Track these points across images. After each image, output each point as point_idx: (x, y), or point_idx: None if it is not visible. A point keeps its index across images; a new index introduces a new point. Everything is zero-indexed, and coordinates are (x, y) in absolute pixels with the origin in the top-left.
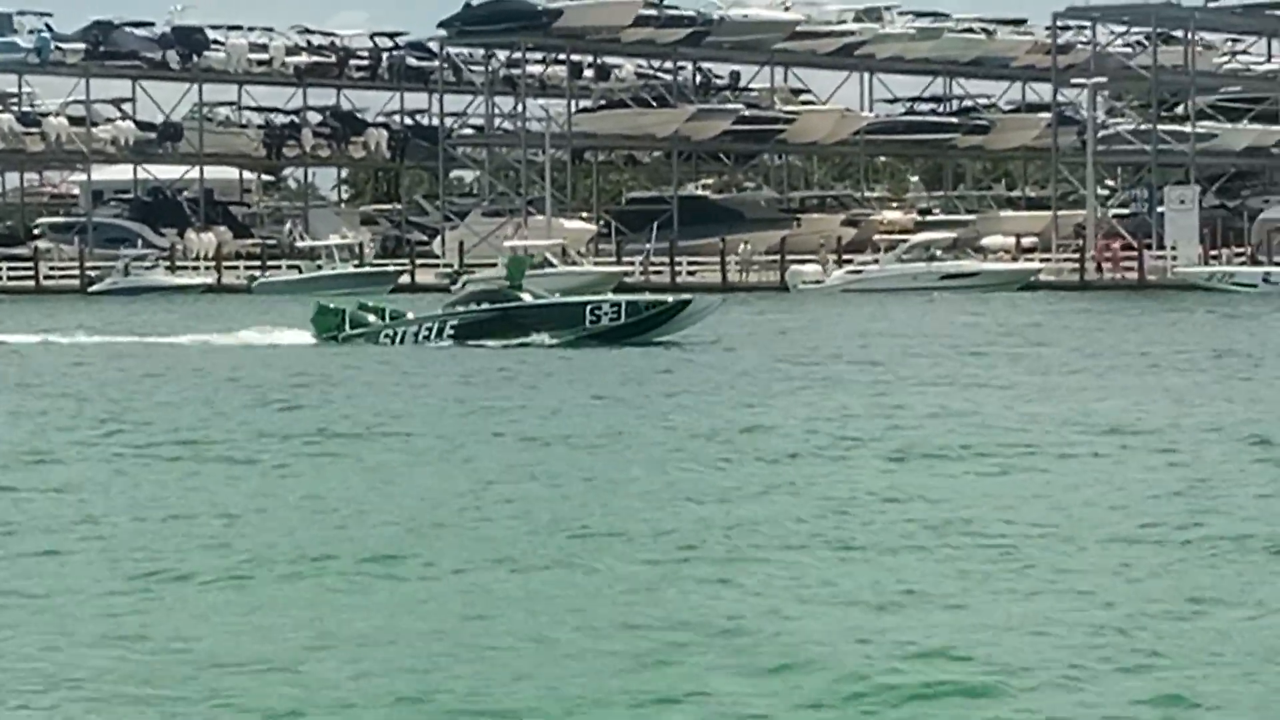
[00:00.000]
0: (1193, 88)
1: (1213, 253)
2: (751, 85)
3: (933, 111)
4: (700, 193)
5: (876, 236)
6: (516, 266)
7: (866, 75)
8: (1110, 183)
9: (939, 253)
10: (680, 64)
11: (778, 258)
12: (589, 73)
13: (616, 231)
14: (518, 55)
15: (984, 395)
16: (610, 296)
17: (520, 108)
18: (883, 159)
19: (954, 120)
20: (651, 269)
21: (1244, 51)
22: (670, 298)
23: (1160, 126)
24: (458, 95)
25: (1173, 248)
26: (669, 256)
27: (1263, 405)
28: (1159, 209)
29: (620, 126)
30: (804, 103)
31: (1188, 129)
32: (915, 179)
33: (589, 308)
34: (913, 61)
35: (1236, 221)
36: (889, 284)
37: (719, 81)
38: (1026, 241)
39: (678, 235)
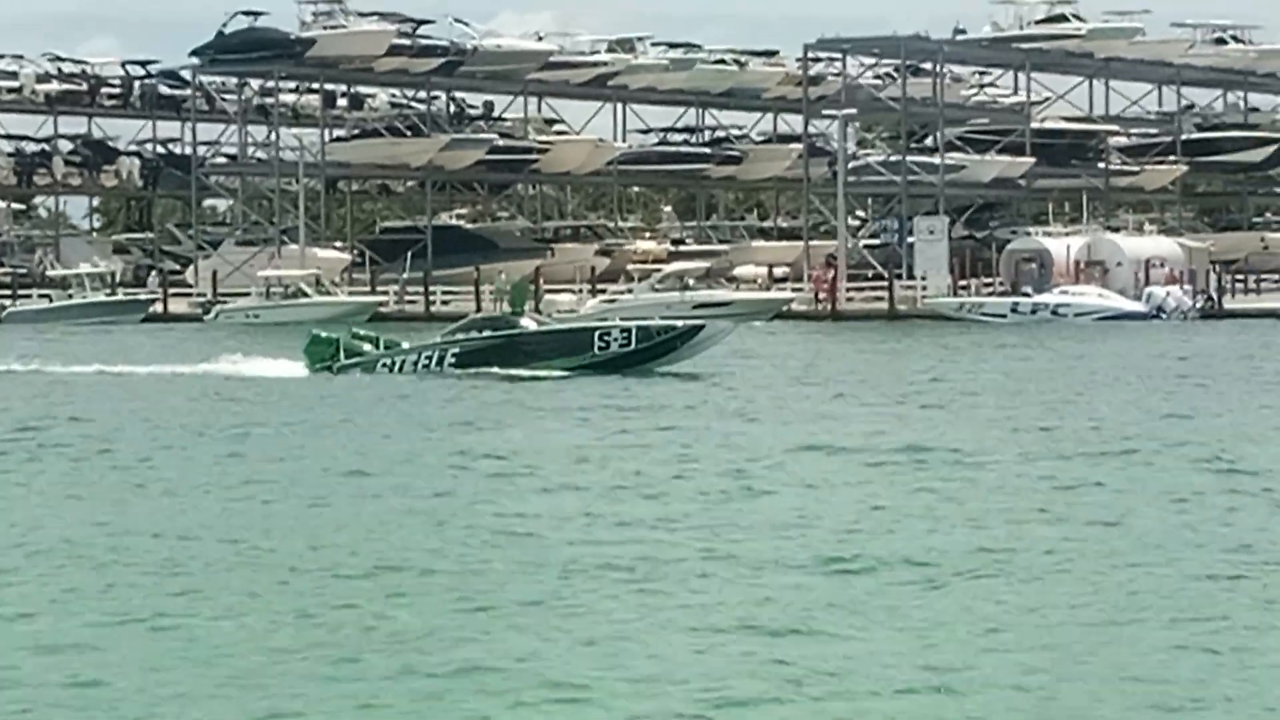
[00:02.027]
0: (941, 119)
1: (961, 283)
2: (505, 115)
3: (685, 142)
4: (454, 222)
5: (630, 266)
6: (519, 293)
7: (620, 105)
8: (861, 213)
9: (692, 282)
10: (434, 94)
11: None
12: (343, 102)
13: (371, 261)
14: (271, 84)
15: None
16: (620, 323)
17: (274, 136)
18: (636, 189)
19: (707, 151)
20: (406, 298)
21: (992, 84)
22: (681, 323)
23: (910, 158)
24: (211, 124)
25: (923, 278)
26: (424, 286)
27: (929, 429)
28: (909, 239)
29: (374, 156)
30: (558, 133)
31: (937, 160)
32: (668, 209)
33: (597, 334)
34: (666, 92)
35: (985, 252)
36: (643, 313)
37: (473, 111)
38: (779, 271)
39: (432, 265)
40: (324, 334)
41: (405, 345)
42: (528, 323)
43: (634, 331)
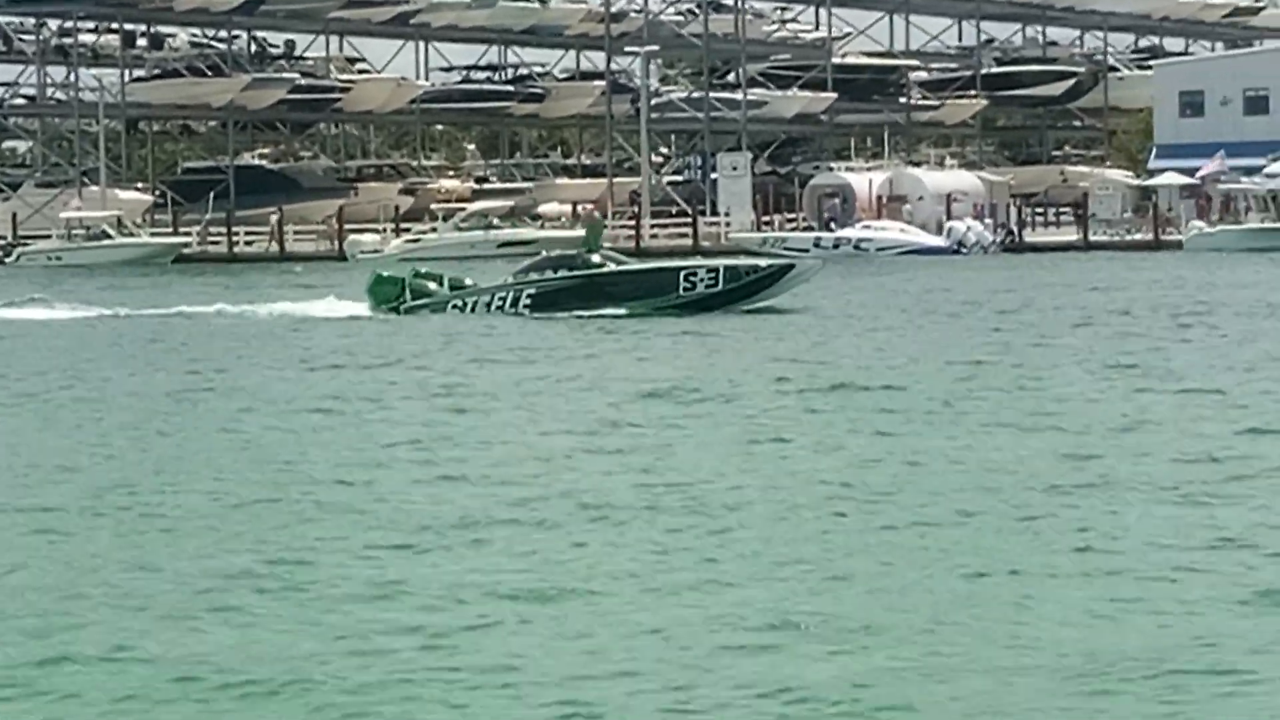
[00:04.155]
0: (743, 55)
1: (765, 218)
2: (307, 54)
3: (488, 80)
4: (257, 162)
5: (434, 205)
6: (594, 231)
7: (422, 44)
8: (664, 150)
9: (496, 220)
10: (235, 33)
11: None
12: (142, 41)
13: (173, 202)
14: (70, 24)
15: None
16: (708, 261)
17: (73, 77)
18: (439, 127)
19: (510, 89)
20: (209, 239)
21: (793, 19)
22: (768, 262)
23: (712, 94)
24: (9, 65)
25: (726, 214)
26: (226, 226)
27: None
28: (712, 176)
29: (175, 96)
30: (360, 72)
31: (739, 96)
32: (472, 147)
33: (683, 274)
34: (468, 30)
35: (788, 187)
36: (447, 252)
37: (274, 50)
38: (583, 208)
39: (235, 205)
40: (388, 273)
41: (470, 284)
42: (600, 261)
43: (722, 271)
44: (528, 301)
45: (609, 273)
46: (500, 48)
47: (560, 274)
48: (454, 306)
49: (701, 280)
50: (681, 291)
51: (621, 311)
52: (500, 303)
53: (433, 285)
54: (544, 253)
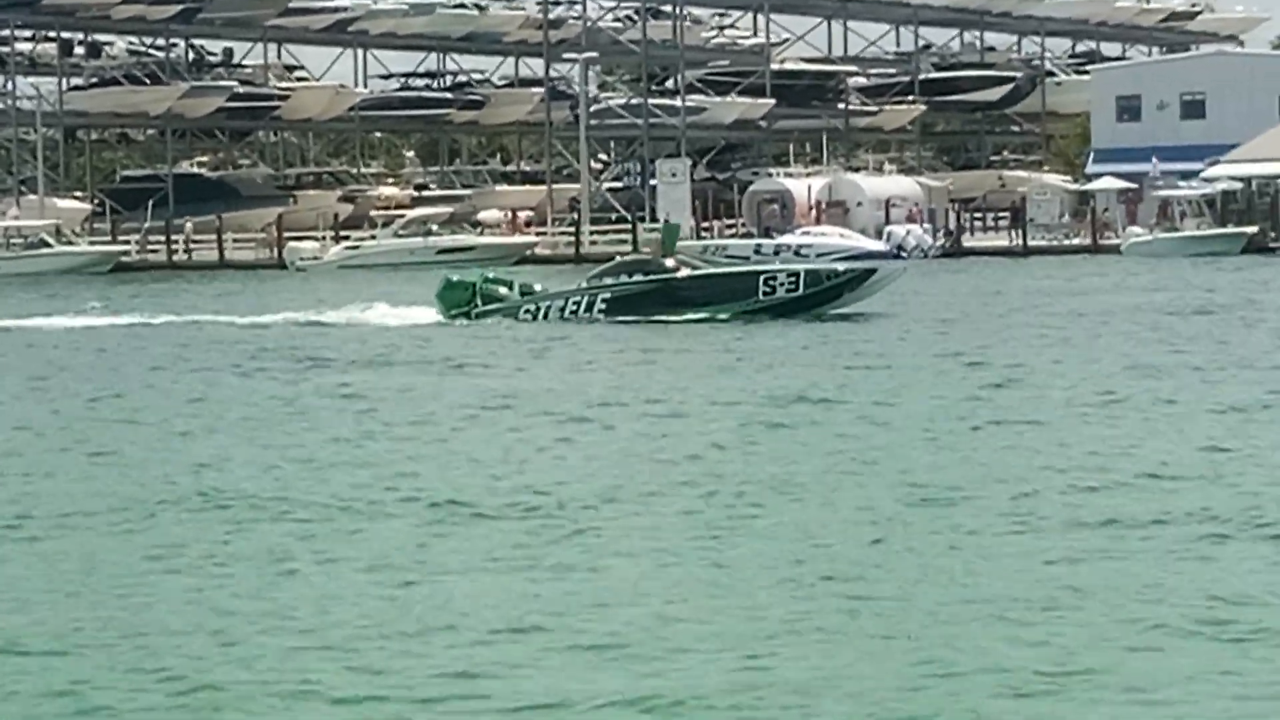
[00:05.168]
0: (681, 62)
1: (704, 224)
2: (245, 62)
3: (427, 87)
4: (195, 170)
5: (373, 212)
6: (670, 234)
7: (360, 51)
8: (603, 156)
9: (435, 228)
10: (172, 41)
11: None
12: (80, 50)
13: (112, 210)
14: (6, 33)
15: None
16: (788, 266)
17: (10, 86)
18: (378, 135)
19: (448, 95)
20: (148, 247)
21: (731, 26)
22: (846, 266)
23: (651, 100)
24: None
25: (665, 220)
26: (165, 234)
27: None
28: (651, 182)
29: (113, 104)
30: (298, 79)
31: (678, 103)
32: (411, 154)
33: (763, 278)
34: (406, 37)
35: (727, 194)
36: (386, 259)
37: (212, 58)
38: (522, 215)
39: (173, 213)
40: (458, 278)
41: (539, 289)
42: (674, 265)
43: (803, 275)
44: (603, 306)
45: (686, 277)
46: (439, 55)
47: (636, 279)
48: (526, 312)
49: (782, 285)
50: (761, 296)
51: (700, 316)
52: (575, 308)
53: (503, 289)
54: (618, 257)
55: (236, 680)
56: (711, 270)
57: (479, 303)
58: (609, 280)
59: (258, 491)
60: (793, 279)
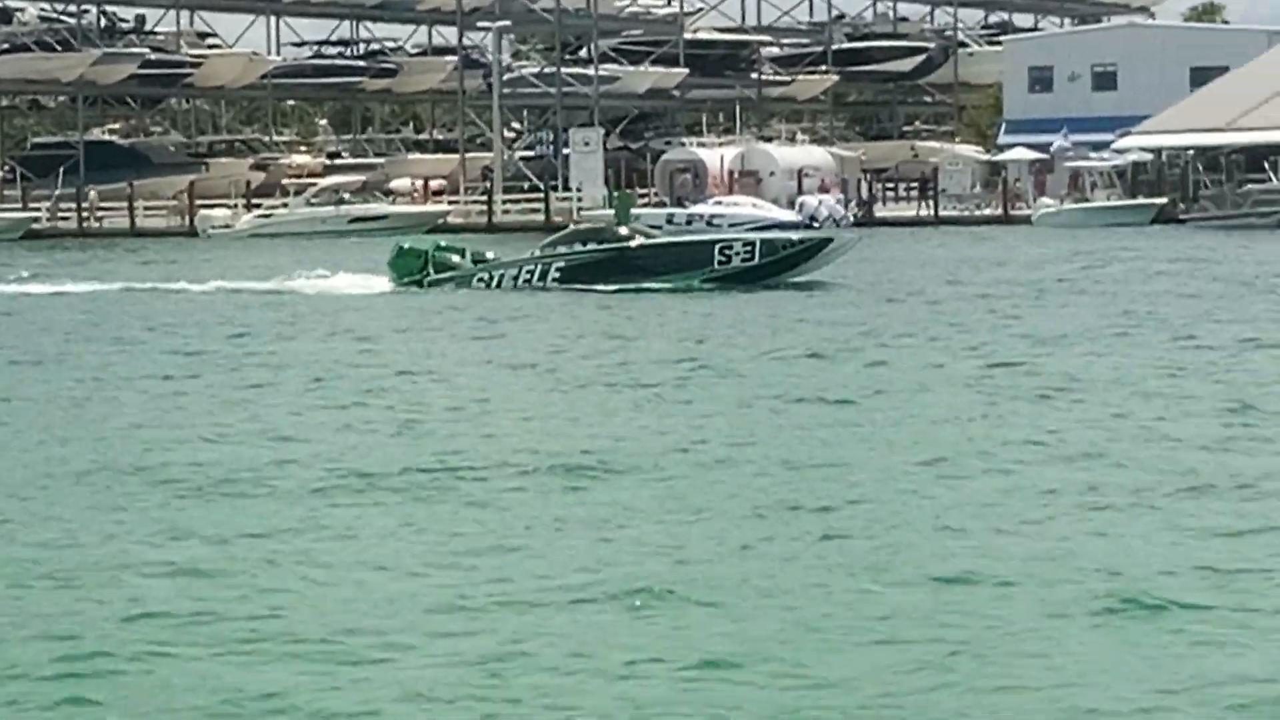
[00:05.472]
0: (595, 31)
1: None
2: (157, 29)
3: (340, 55)
4: (107, 138)
5: (285, 180)
6: (624, 203)
7: (273, 18)
8: (517, 125)
9: (347, 196)
10: (84, 7)
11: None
12: None
13: (22, 178)
14: None
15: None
16: (743, 235)
17: None
18: (291, 103)
19: (361, 64)
20: (60, 215)
21: None
22: (801, 235)
23: (564, 69)
24: None
25: (578, 189)
26: (76, 202)
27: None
28: (564, 151)
29: (23, 71)
30: (210, 46)
31: (591, 72)
32: (324, 123)
33: (718, 247)
34: (319, 4)
35: (640, 163)
36: (298, 228)
37: (124, 25)
38: (435, 184)
39: (85, 180)
40: (410, 245)
41: (492, 256)
42: (628, 234)
43: (759, 245)
44: (556, 275)
45: (641, 246)
46: (352, 22)
47: (590, 247)
48: (479, 280)
49: (737, 254)
50: (717, 265)
51: (654, 286)
52: (528, 276)
53: (455, 258)
54: (572, 225)
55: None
56: (667, 239)
57: (431, 271)
58: (563, 249)
59: None
60: (749, 248)
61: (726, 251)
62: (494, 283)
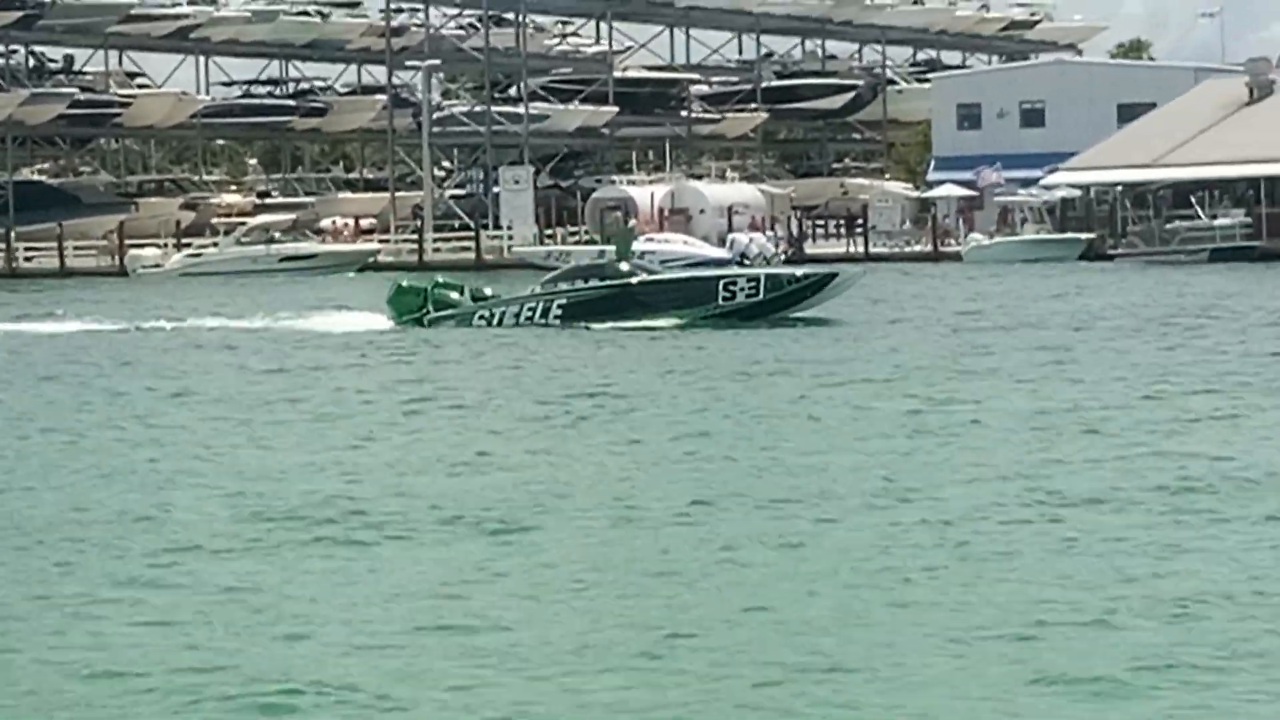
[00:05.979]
0: (524, 69)
1: (547, 232)
2: (86, 69)
3: (270, 94)
4: (36, 177)
5: (215, 220)
6: (624, 239)
7: (202, 58)
8: (447, 164)
9: (278, 235)
10: (12, 47)
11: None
12: None
13: None
14: None
15: None
16: (748, 270)
17: None
18: (220, 142)
19: (291, 103)
20: None
21: (574, 33)
22: (805, 271)
23: (494, 108)
24: None
25: (509, 227)
26: (5, 242)
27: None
28: (495, 189)
29: None
30: (140, 86)
31: (520, 110)
32: (254, 162)
33: (723, 283)
34: (249, 44)
35: (570, 201)
36: (229, 267)
37: (53, 65)
38: (365, 223)
39: (14, 221)
40: (409, 283)
41: (491, 293)
42: (629, 270)
43: (763, 280)
44: (558, 312)
45: (643, 282)
46: (281, 62)
47: (592, 284)
48: (480, 318)
49: (742, 290)
50: (721, 301)
51: (660, 322)
52: (530, 314)
53: (455, 295)
54: (573, 262)
55: None
56: (669, 275)
57: (430, 309)
58: (564, 285)
59: None
60: (753, 284)
61: (731, 287)
62: (495, 320)
